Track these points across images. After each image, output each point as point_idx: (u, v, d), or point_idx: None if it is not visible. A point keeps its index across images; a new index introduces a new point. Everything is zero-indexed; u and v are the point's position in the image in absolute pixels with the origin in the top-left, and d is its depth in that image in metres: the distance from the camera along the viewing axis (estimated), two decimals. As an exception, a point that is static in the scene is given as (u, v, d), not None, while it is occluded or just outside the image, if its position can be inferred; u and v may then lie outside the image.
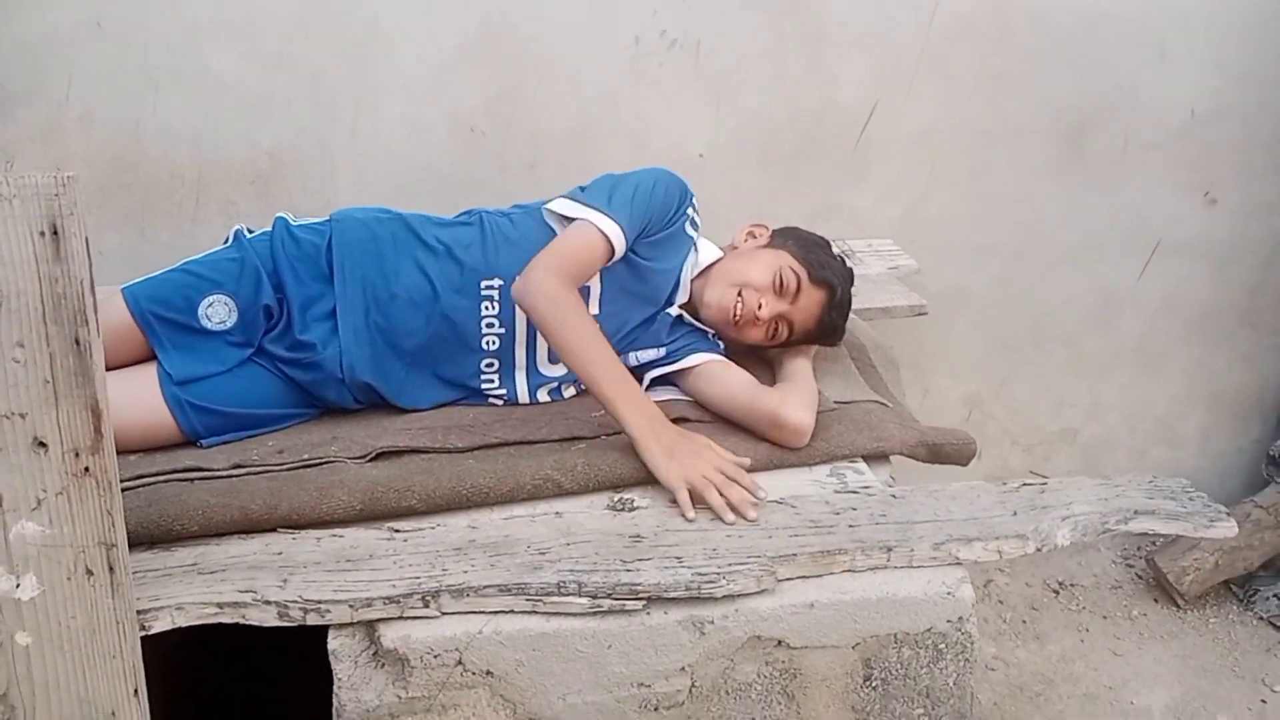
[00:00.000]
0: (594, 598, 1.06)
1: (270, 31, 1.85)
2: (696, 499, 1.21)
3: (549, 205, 1.45)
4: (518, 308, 1.37)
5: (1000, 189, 2.16)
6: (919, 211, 2.15)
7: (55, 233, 0.82)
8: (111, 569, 0.93)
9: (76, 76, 1.82)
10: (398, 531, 1.16)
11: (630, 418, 1.25)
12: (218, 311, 1.36)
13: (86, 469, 0.89)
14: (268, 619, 1.03)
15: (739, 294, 1.45)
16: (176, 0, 1.79)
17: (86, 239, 0.84)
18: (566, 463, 1.25)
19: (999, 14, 2.04)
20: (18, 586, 0.91)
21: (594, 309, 1.44)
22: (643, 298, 1.48)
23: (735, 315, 1.44)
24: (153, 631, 1.00)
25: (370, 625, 1.04)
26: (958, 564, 1.15)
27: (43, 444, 0.88)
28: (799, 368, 1.46)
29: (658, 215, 1.45)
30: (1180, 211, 2.22)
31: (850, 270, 1.55)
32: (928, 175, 2.14)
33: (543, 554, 1.12)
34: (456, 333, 1.40)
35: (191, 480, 1.18)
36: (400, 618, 1.04)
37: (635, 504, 1.22)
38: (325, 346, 1.36)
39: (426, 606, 1.04)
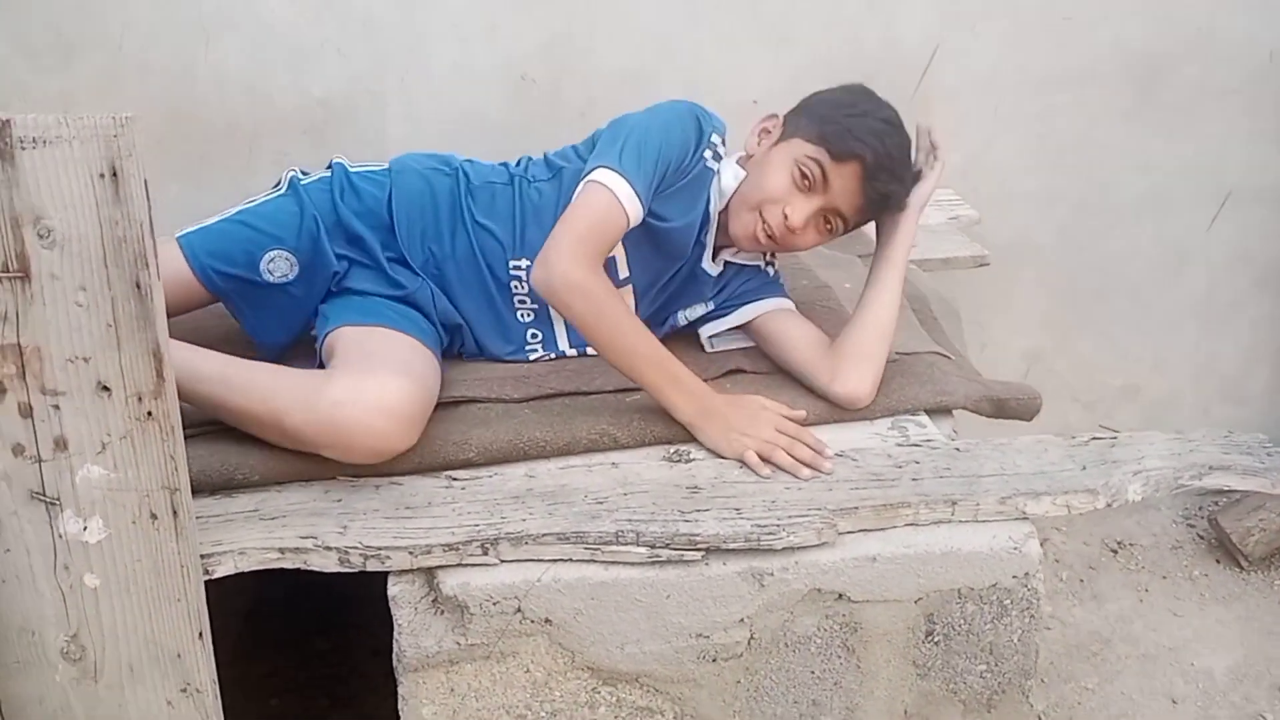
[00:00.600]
0: (652, 547, 1.05)
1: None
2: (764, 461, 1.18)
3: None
4: None
5: (1066, 136, 2.08)
6: (981, 159, 2.08)
7: (114, 174, 0.82)
8: (175, 513, 0.93)
9: (132, 25, 1.82)
10: (455, 480, 1.16)
11: (680, 404, 1.21)
12: (279, 266, 1.35)
13: (149, 413, 0.89)
14: (328, 564, 1.03)
15: (760, 215, 1.30)
16: (229, -53, 1.77)
17: (145, 181, 0.84)
18: (622, 416, 1.24)
19: (1067, -48, 1.96)
20: (85, 529, 0.92)
21: (623, 271, 1.37)
22: (669, 254, 1.38)
23: (767, 237, 1.31)
24: (215, 576, 1.01)
25: (430, 572, 1.05)
26: (1024, 519, 1.12)
27: (106, 388, 0.88)
28: (877, 299, 1.33)
29: (674, 164, 1.31)
30: (1255, 160, 2.13)
31: (888, 121, 1.31)
32: (990, 121, 2.07)
33: (600, 503, 1.11)
34: (496, 306, 1.38)
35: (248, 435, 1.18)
36: (459, 565, 1.04)
37: (692, 455, 1.20)
38: (411, 284, 1.36)
39: (485, 554, 1.04)
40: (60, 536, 0.92)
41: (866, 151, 1.27)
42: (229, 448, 1.15)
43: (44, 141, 0.80)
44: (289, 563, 1.03)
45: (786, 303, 1.43)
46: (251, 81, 1.86)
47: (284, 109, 1.88)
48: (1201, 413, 2.35)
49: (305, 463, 1.14)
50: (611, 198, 1.24)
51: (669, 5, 1.92)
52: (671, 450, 1.21)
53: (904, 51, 1.99)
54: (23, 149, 0.80)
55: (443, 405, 1.27)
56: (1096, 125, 2.08)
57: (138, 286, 0.85)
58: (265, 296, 1.35)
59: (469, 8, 1.86)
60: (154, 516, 0.93)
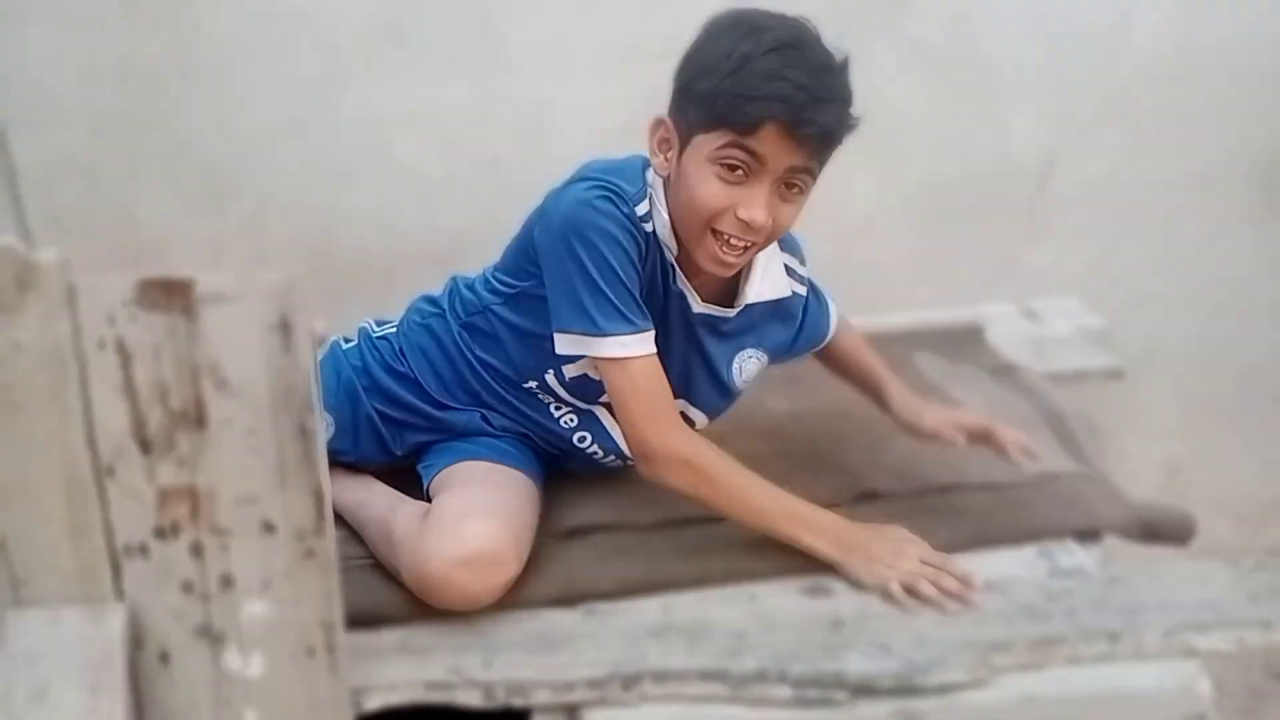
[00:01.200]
0: (798, 686, 1.02)
1: (451, 119, 1.94)
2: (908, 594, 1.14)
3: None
4: (575, 396, 1.27)
5: (1193, 238, 2.04)
6: (1105, 266, 2.05)
7: (285, 327, 0.87)
8: (330, 649, 0.95)
9: (278, 171, 1.95)
10: (593, 612, 1.15)
11: (819, 546, 1.16)
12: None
13: (310, 551, 0.92)
14: (473, 700, 1.04)
15: (714, 233, 1.12)
16: (369, 96, 1.89)
17: (311, 331, 0.89)
18: (757, 547, 1.22)
19: (1182, 54, 1.94)
20: (247, 665, 0.95)
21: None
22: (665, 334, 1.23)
23: (737, 250, 1.12)
24: (365, 710, 1.03)
25: (573, 709, 1.04)
26: (1193, 655, 1.05)
27: (271, 527, 0.92)
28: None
29: (634, 267, 1.16)
30: (1400, 258, 2.04)
31: (777, 47, 1.07)
32: (1112, 227, 2.04)
33: (741, 639, 1.09)
34: (538, 420, 1.32)
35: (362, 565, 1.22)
36: (602, 702, 1.03)
37: (832, 589, 1.17)
38: (462, 421, 1.33)
39: (627, 691, 1.03)
40: (223, 672, 0.95)
41: (774, 107, 1.05)
42: (375, 582, 1.18)
43: (224, 298, 0.86)
44: (436, 698, 1.04)
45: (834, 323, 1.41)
46: (385, 220, 1.97)
47: (415, 243, 1.98)
48: (1361, 524, 2.20)
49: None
50: (625, 366, 1.15)
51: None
52: (811, 583, 1.19)
53: (1018, 164, 1.99)
54: (204, 306, 0.86)
55: (574, 532, 1.28)
56: (1224, 227, 2.03)
57: (303, 430, 0.89)
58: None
59: (586, 140, 1.94)
60: (310, 652, 0.95)
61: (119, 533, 0.91)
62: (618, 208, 1.15)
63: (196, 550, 0.92)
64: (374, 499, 1.29)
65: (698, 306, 1.23)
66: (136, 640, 0.93)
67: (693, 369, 1.27)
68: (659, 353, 1.18)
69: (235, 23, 1.86)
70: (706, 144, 1.10)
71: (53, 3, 1.82)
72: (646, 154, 1.21)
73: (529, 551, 1.18)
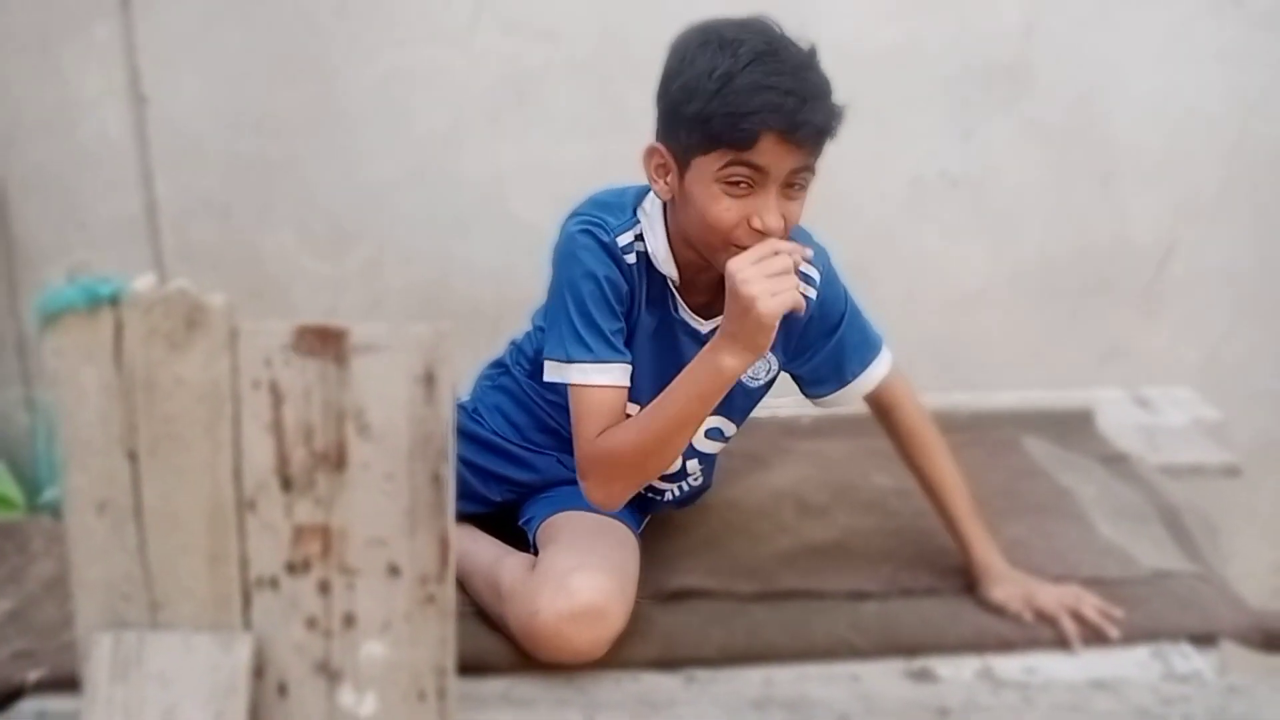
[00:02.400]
0: (901, 772, 1.00)
1: (567, 176, 1.98)
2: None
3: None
4: None
5: (1317, 333, 1.98)
6: (1221, 355, 2.00)
7: (430, 379, 0.90)
8: (441, 694, 0.97)
9: (399, 218, 2.03)
10: (693, 679, 1.15)
11: (732, 359, 1.10)
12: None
13: (431, 596, 0.95)
14: (573, 756, 1.04)
15: (734, 245, 1.11)
16: (490, 152, 1.97)
17: (453, 384, 0.92)
18: (860, 622, 1.21)
19: (1310, 145, 1.90)
20: (360, 703, 0.97)
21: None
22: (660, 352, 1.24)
23: (750, 260, 1.08)
24: (467, 757, 1.04)
25: (671, 775, 1.04)
26: (1319, 775, 1.01)
27: (397, 569, 0.94)
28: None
29: (613, 296, 1.18)
30: None
31: (755, 59, 1.07)
32: (1230, 316, 2.00)
33: (843, 718, 1.08)
34: None
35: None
36: (700, 770, 1.03)
37: (937, 673, 1.16)
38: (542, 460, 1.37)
39: (728, 762, 1.03)
40: (337, 708, 0.97)
41: (768, 118, 1.06)
42: (479, 631, 1.20)
43: (374, 348, 0.90)
44: (536, 751, 1.05)
45: (885, 363, 1.32)
46: (497, 271, 2.03)
47: (525, 293, 2.02)
48: None
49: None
50: (583, 394, 1.18)
51: (891, 195, 1.97)
52: (915, 666, 1.17)
53: (1135, 246, 1.97)
54: (355, 354, 0.90)
55: (676, 595, 1.28)
56: (1351, 322, 1.97)
57: (436, 478, 0.92)
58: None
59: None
60: (421, 696, 0.97)
61: (253, 564, 0.95)
62: (596, 240, 1.19)
63: (324, 587, 0.95)
64: (479, 550, 1.31)
65: (704, 328, 1.24)
66: (258, 670, 0.97)
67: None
68: (662, 376, 1.19)
69: (369, 80, 1.95)
70: (707, 164, 1.11)
71: (205, 56, 1.95)
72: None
73: (632, 604, 1.19)
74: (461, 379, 1.72)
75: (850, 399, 1.33)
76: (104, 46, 1.95)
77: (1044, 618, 1.22)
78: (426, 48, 1.94)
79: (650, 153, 1.17)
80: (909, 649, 1.19)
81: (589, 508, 1.28)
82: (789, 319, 1.13)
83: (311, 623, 0.96)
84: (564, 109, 1.95)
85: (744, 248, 1.10)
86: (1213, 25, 1.86)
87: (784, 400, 1.53)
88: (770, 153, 1.08)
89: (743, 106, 1.06)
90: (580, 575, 1.15)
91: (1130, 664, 1.18)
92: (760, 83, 1.06)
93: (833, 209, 1.96)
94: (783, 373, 1.34)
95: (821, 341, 1.29)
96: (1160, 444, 1.76)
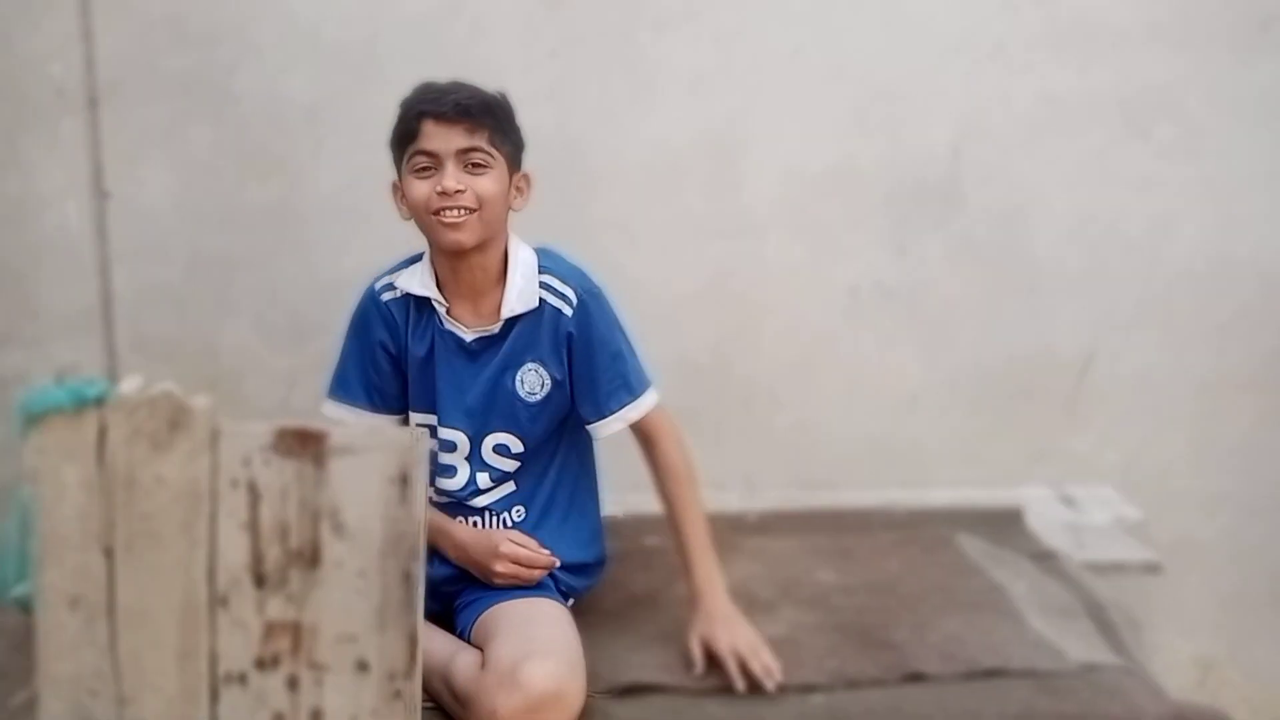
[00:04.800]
0: None
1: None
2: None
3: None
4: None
5: (1230, 438, 2.10)
6: (1141, 459, 2.11)
7: (404, 480, 0.95)
8: (404, 791, 0.99)
9: (357, 314, 2.07)
10: (648, 772, 1.18)
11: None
12: None
13: (398, 692, 0.98)
14: None
15: (434, 216, 1.38)
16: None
17: (426, 485, 0.97)
18: (809, 713, 1.26)
19: (1218, 265, 2.06)
20: (324, 801, 0.98)
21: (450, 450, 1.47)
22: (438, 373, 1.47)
23: (453, 218, 1.37)
24: None
25: None
26: None
27: (365, 666, 0.97)
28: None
29: (364, 344, 1.50)
30: None
31: (415, 88, 1.41)
32: (1150, 421, 2.11)
33: (793, 809, 1.12)
34: None
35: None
36: None
37: (884, 763, 1.20)
38: None
39: None
40: (300, 806, 0.98)
41: (422, 106, 1.37)
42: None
43: (351, 450, 0.94)
44: None
45: (643, 407, 1.46)
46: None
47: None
48: (1403, 738, 2.17)
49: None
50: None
51: (832, 305, 2.08)
52: (863, 756, 1.22)
53: (1059, 355, 2.08)
54: (333, 456, 0.94)
55: (630, 691, 1.32)
56: (1262, 429, 2.09)
57: (407, 576, 0.96)
58: None
59: (654, 307, 2.06)
60: (385, 792, 0.99)
61: (223, 660, 0.97)
62: (365, 295, 1.51)
63: (292, 683, 0.98)
64: (434, 648, 1.33)
65: (468, 335, 1.44)
66: (222, 767, 0.98)
67: (490, 397, 1.44)
68: (443, 388, 1.44)
69: (335, 181, 2.02)
70: (405, 169, 1.41)
71: (172, 153, 2.00)
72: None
73: (584, 680, 1.25)
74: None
75: (608, 431, 1.47)
76: (69, 142, 1.99)
77: (714, 660, 1.36)
78: (389, 154, 2.01)
79: (392, 189, 1.46)
80: (859, 743, 1.23)
81: (513, 597, 1.38)
82: (545, 326, 1.42)
83: (279, 718, 0.98)
84: (521, 215, 2.03)
85: (440, 214, 1.37)
86: (1125, 154, 2.02)
87: (729, 496, 1.60)
88: (434, 136, 1.37)
89: (405, 108, 1.40)
90: (529, 665, 1.20)
91: (1062, 755, 1.24)
92: (419, 94, 1.40)
93: (777, 313, 2.08)
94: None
95: (582, 365, 1.45)
96: (1085, 541, 1.85)
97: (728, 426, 2.07)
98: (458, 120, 1.36)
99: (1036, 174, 2.03)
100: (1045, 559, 1.73)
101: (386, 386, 1.48)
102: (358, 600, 0.96)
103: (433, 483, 1.46)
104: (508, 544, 1.41)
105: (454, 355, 1.45)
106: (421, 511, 0.96)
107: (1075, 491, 2.05)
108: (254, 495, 0.95)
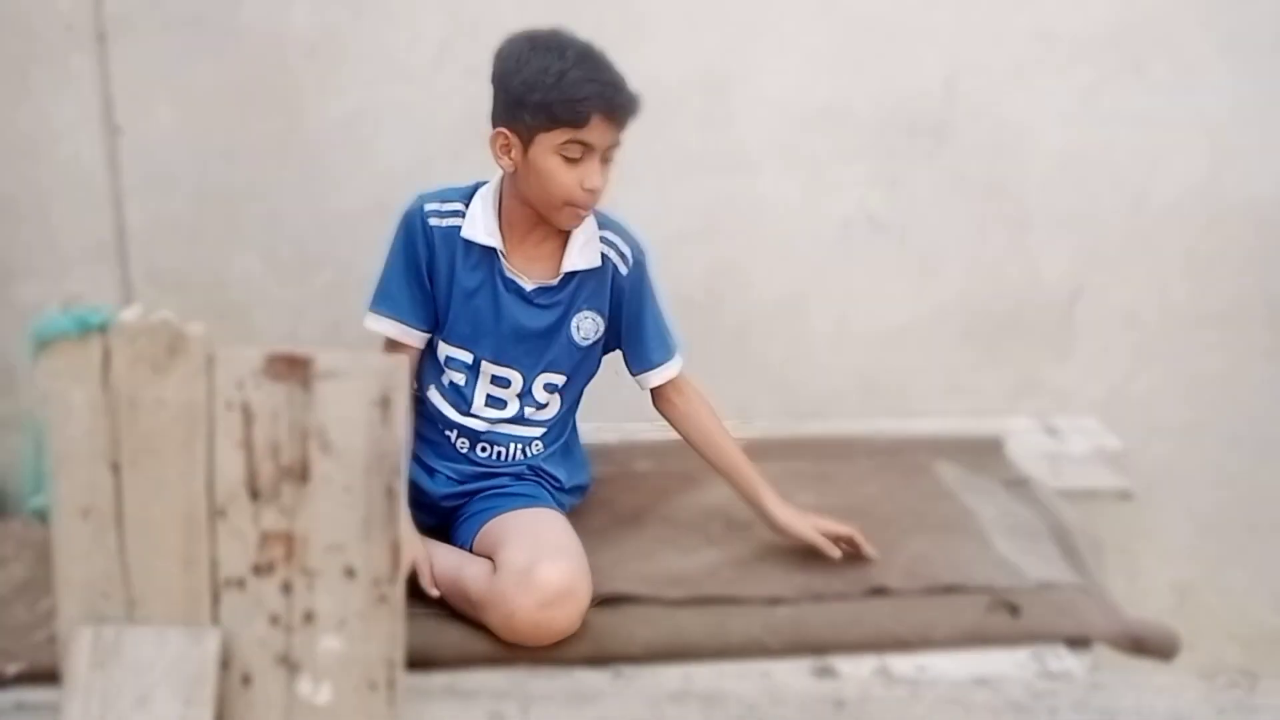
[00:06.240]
0: (800, 757, 1.13)
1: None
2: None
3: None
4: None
5: (1211, 371, 2.15)
6: (1125, 391, 2.16)
7: (386, 403, 1.02)
8: (390, 685, 1.09)
9: (362, 247, 2.08)
10: (620, 675, 1.28)
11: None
12: None
13: (384, 596, 1.06)
14: (509, 744, 1.16)
15: (572, 206, 1.42)
16: (454, 181, 2.07)
17: (407, 408, 1.04)
18: (773, 624, 1.34)
19: (1206, 202, 2.08)
20: (316, 693, 1.08)
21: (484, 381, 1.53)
22: (491, 316, 1.51)
23: (586, 212, 1.44)
24: (412, 744, 1.15)
25: (597, 759, 1.15)
26: (1163, 760, 1.15)
27: (353, 572, 1.06)
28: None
29: (410, 264, 1.52)
30: None
31: (580, 59, 1.37)
32: (1134, 355, 2.16)
33: (751, 709, 1.21)
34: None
35: (447, 617, 1.37)
36: (623, 756, 1.15)
37: (838, 670, 1.29)
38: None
39: (646, 748, 1.15)
40: (295, 697, 1.08)
41: (595, 102, 1.36)
42: (430, 627, 1.31)
43: (336, 374, 1.02)
44: (477, 738, 1.16)
45: (676, 366, 1.56)
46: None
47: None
48: (1370, 660, 2.25)
49: (491, 646, 1.30)
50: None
51: (824, 240, 2.12)
52: (820, 663, 1.30)
53: (1047, 289, 2.12)
54: (319, 380, 1.02)
55: (608, 601, 1.41)
56: (1243, 362, 2.14)
57: (389, 491, 1.04)
58: None
59: (652, 243, 2.11)
60: (373, 686, 1.08)
61: (223, 567, 1.06)
62: (411, 212, 1.52)
63: (286, 588, 1.06)
64: (441, 559, 1.44)
65: (529, 285, 1.49)
66: (225, 662, 1.07)
67: (548, 341, 1.51)
68: (503, 332, 1.49)
69: (336, 115, 2.07)
70: (549, 140, 1.39)
71: (178, 89, 2.05)
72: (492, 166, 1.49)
73: (589, 575, 1.36)
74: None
75: (654, 381, 1.57)
76: (80, 77, 2.04)
77: (844, 541, 1.50)
78: (392, 87, 2.05)
79: (496, 135, 1.45)
80: (816, 648, 1.32)
81: (515, 508, 1.47)
82: (602, 278, 1.50)
83: (274, 619, 1.07)
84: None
85: (579, 206, 1.41)
86: (1117, 90, 2.03)
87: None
88: (597, 130, 1.38)
89: (578, 94, 1.36)
90: (543, 566, 1.31)
91: (1010, 664, 1.32)
92: (588, 77, 1.37)
93: (770, 248, 2.12)
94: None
95: (632, 319, 1.54)
96: (1062, 470, 1.92)
97: (721, 359, 2.12)
98: (624, 121, 1.41)
99: (1028, 109, 2.04)
100: (1018, 485, 1.79)
101: (429, 304, 1.51)
102: (344, 512, 1.04)
103: (469, 412, 1.52)
104: (419, 560, 1.41)
105: (514, 301, 1.49)
106: (402, 432, 1.03)
107: (1059, 422, 2.11)
108: (247, 416, 1.02)
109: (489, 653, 1.30)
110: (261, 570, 1.06)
